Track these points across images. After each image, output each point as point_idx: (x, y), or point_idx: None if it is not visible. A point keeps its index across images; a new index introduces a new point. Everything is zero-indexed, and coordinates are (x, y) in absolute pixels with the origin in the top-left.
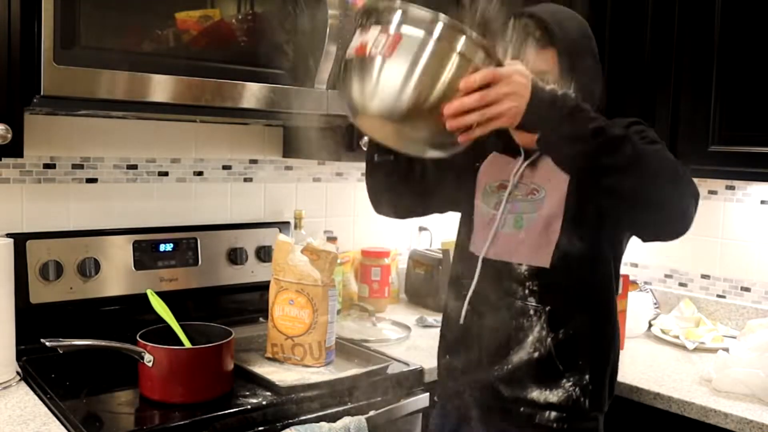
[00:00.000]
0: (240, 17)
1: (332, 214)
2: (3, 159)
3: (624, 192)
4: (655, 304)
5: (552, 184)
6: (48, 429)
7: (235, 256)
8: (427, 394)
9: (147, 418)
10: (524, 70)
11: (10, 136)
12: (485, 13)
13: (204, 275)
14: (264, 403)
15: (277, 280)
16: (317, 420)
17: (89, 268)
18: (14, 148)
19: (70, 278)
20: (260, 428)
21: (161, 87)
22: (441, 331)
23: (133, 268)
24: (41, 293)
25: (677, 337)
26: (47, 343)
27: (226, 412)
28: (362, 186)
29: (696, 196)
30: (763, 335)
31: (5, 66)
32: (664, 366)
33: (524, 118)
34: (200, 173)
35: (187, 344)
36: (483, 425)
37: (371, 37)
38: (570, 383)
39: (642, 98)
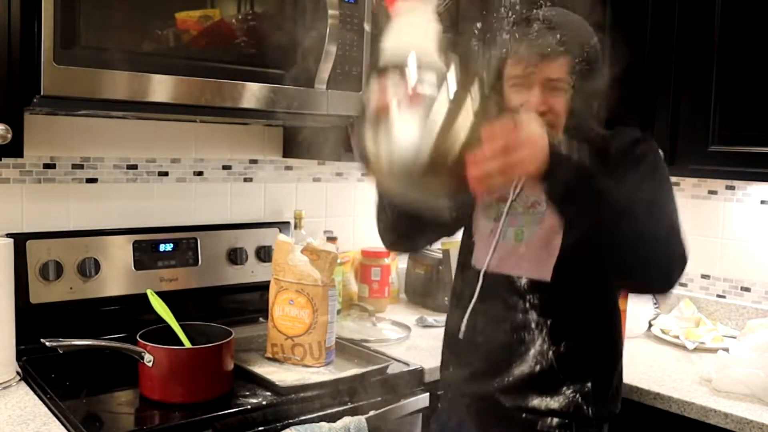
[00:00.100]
0: (240, 17)
1: (332, 214)
2: (3, 159)
3: (617, 250)
4: (655, 304)
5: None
6: (48, 429)
7: (235, 256)
8: (427, 394)
9: (147, 418)
10: (539, 118)
11: (10, 136)
12: (497, 19)
13: (204, 275)
14: (264, 403)
15: (277, 280)
16: (317, 420)
17: (89, 268)
18: (14, 148)
19: (70, 278)
20: (260, 428)
21: (161, 87)
22: (443, 343)
23: (133, 268)
24: (41, 293)
25: (677, 337)
26: (47, 343)
27: (226, 412)
28: (362, 186)
29: (683, 261)
30: (763, 335)
31: (5, 66)
32: (664, 366)
33: (541, 166)
34: (200, 173)
35: (187, 344)
36: None
37: (389, 95)
38: (570, 390)
39: (642, 98)
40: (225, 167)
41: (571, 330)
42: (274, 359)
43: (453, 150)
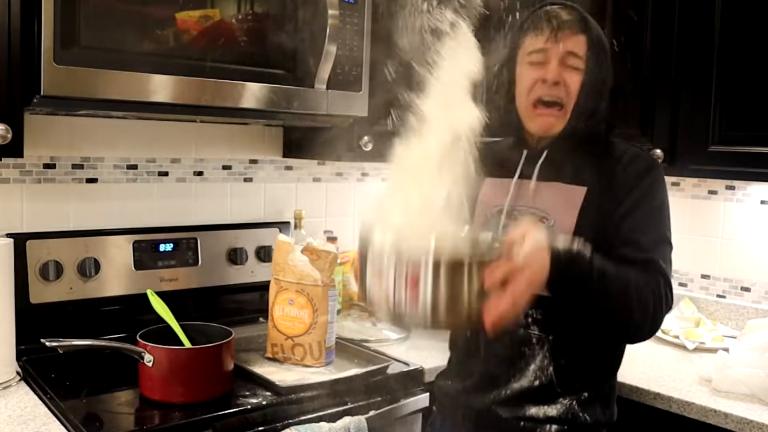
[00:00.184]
0: (240, 17)
1: (332, 214)
2: (3, 159)
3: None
4: None
5: (560, 213)
6: (48, 429)
7: (235, 256)
8: (427, 394)
9: (147, 418)
10: (540, 239)
11: (10, 136)
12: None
13: (204, 275)
14: (264, 403)
15: (277, 280)
16: (317, 420)
17: (89, 268)
18: (14, 148)
19: (70, 278)
20: (260, 428)
21: (161, 87)
22: (451, 351)
23: (133, 268)
24: (41, 293)
25: (677, 337)
26: (47, 343)
27: (226, 412)
28: (362, 186)
29: (670, 307)
30: (763, 335)
31: (5, 66)
32: (664, 366)
33: (548, 284)
34: (200, 173)
35: (187, 344)
36: None
37: (389, 284)
38: (567, 399)
39: (642, 98)
40: (225, 167)
41: (573, 345)
42: (274, 359)
43: (463, 310)
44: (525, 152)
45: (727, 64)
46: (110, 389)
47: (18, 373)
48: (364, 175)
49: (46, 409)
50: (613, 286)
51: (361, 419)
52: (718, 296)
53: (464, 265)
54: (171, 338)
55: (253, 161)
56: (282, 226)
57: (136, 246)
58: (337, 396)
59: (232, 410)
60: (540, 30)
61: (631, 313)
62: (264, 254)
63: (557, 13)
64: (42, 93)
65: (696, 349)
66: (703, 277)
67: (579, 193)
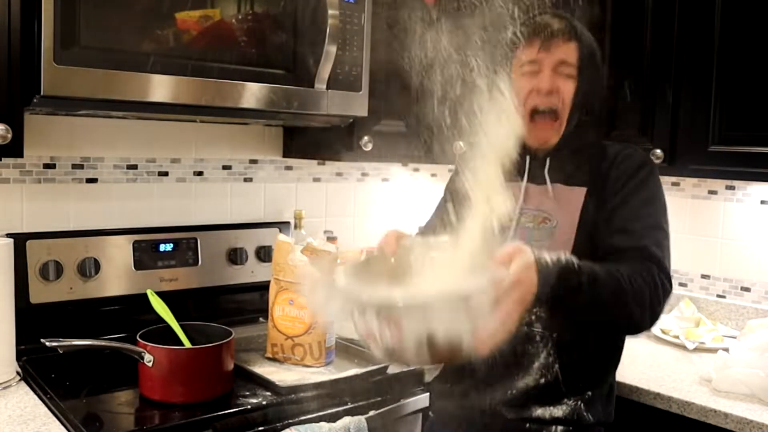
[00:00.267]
0: (240, 17)
1: (332, 214)
2: (3, 159)
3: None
4: None
5: (562, 214)
6: (48, 429)
7: (235, 256)
8: (427, 394)
9: (147, 418)
10: (527, 257)
11: (10, 136)
12: (507, 16)
13: (204, 275)
14: (264, 403)
15: (277, 280)
16: (317, 420)
17: (89, 268)
18: (14, 148)
19: (70, 278)
20: (260, 428)
21: (161, 87)
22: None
23: (133, 268)
24: (41, 293)
25: (677, 337)
26: (47, 343)
27: (226, 412)
28: (362, 186)
29: (668, 295)
30: (763, 335)
31: (5, 66)
32: (664, 366)
33: (538, 299)
34: (200, 173)
35: (187, 344)
36: None
37: (375, 330)
38: (572, 399)
39: (642, 98)
40: (225, 167)
41: (576, 343)
42: (274, 359)
43: (456, 346)
44: (528, 158)
45: (727, 64)
46: (110, 389)
47: (18, 373)
48: (364, 175)
49: (46, 409)
50: (606, 290)
51: (361, 419)
52: (718, 296)
53: (461, 298)
54: (171, 338)
55: (253, 161)
56: (282, 226)
57: (136, 246)
58: (337, 396)
59: (232, 410)
60: (531, 40)
61: (629, 309)
62: (264, 254)
63: (547, 23)
64: (42, 93)
65: (696, 349)
66: (703, 277)
67: (579, 193)
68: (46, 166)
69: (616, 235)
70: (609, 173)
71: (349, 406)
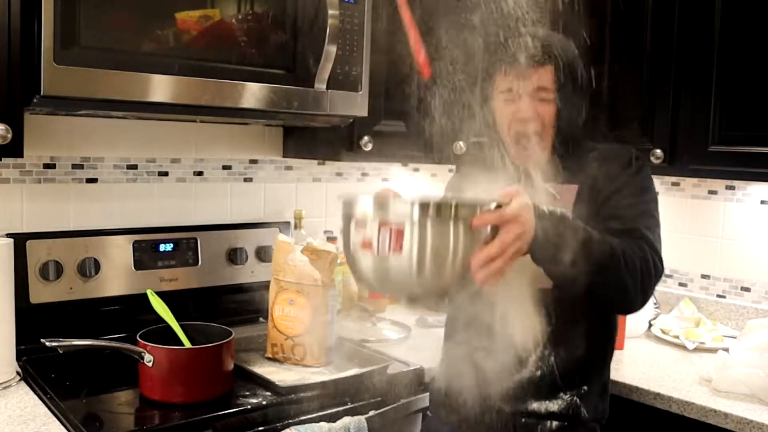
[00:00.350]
0: (240, 17)
1: (332, 214)
2: (3, 159)
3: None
4: (655, 304)
5: (558, 206)
6: (48, 429)
7: (235, 256)
8: (427, 394)
9: (147, 418)
10: (527, 202)
11: (10, 136)
12: (486, 35)
13: (204, 275)
14: (264, 403)
15: (277, 280)
16: (317, 420)
17: (89, 268)
18: (14, 148)
19: (70, 278)
20: (260, 428)
21: (161, 87)
22: (443, 348)
23: (133, 268)
24: (41, 293)
25: (677, 337)
26: (47, 343)
27: (226, 412)
28: (362, 186)
29: (659, 276)
30: (763, 335)
31: (5, 66)
32: (664, 366)
33: (534, 244)
34: (200, 173)
35: (187, 344)
36: None
37: (373, 235)
38: (568, 395)
39: (642, 98)
40: (225, 167)
41: (572, 336)
42: (274, 359)
43: (448, 271)
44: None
45: (727, 64)
46: (110, 389)
47: (18, 373)
48: (364, 175)
49: (46, 409)
50: (600, 250)
51: (361, 419)
52: (718, 296)
53: (450, 213)
54: (171, 338)
55: (253, 161)
56: (282, 226)
57: (136, 246)
58: (337, 396)
59: (232, 410)
60: (504, 70)
61: (621, 275)
62: (264, 254)
63: (521, 48)
64: (42, 93)
65: (696, 349)
66: (703, 277)
67: (571, 190)
68: (46, 166)
69: (608, 221)
70: (600, 169)
71: (349, 406)
